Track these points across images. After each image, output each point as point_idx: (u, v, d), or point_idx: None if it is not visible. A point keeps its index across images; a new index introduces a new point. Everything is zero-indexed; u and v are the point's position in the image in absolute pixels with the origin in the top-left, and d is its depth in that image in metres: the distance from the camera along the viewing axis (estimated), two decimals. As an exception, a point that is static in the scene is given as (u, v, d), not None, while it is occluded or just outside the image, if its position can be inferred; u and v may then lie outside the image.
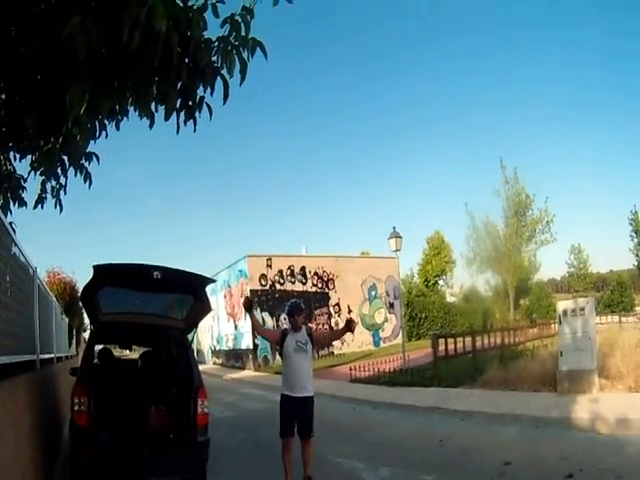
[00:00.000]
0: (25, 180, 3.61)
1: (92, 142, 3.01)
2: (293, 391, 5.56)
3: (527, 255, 32.91)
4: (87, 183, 3.38)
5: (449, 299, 41.57)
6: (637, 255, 45.34)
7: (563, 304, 9.28)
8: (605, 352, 9.58)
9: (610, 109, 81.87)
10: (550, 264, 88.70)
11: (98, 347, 7.60)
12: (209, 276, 6.18)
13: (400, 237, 16.58)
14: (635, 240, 44.95)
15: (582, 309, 8.68)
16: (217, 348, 31.32)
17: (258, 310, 23.38)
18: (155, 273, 5.28)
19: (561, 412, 7.38)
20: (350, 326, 5.69)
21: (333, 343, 25.49)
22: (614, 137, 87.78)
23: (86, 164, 3.35)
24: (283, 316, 21.33)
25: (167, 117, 2.68)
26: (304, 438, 5.55)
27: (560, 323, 8.99)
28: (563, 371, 8.66)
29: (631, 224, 45.03)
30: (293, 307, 5.83)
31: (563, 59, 79.97)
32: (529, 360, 11.49)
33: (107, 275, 5.41)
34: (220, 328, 30.10)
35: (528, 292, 36.99)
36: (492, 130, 76.13)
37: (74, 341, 18.83)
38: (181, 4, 2.43)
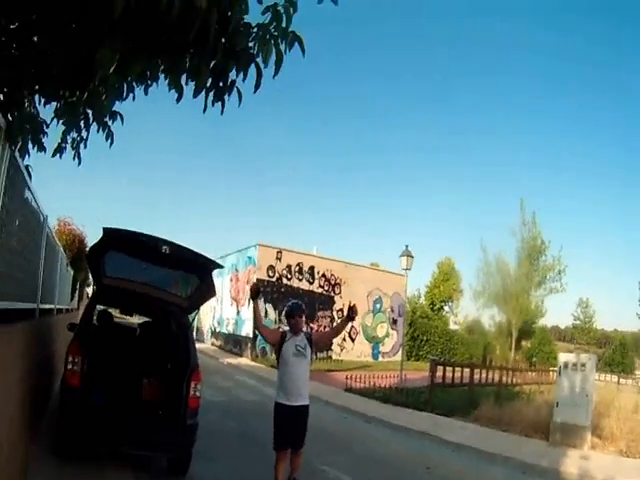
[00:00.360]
0: (47, 126, 3.54)
1: (117, 102, 2.96)
2: (289, 399, 5.22)
3: (535, 299, 32.68)
4: (109, 141, 3.34)
5: (452, 327, 41.17)
6: (643, 320, 44.44)
7: (565, 356, 9.17)
8: (600, 411, 9.41)
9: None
10: (555, 312, 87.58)
11: (99, 308, 7.62)
12: (217, 261, 6.10)
13: (412, 256, 16.58)
14: (643, 305, 44.08)
15: (583, 365, 8.57)
16: (217, 330, 31.37)
17: (262, 300, 23.02)
18: (164, 247, 5.25)
19: (551, 463, 7.26)
20: (351, 314, 5.21)
21: (332, 347, 25.40)
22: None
23: (110, 122, 3.31)
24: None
25: (196, 94, 2.63)
26: (295, 449, 5.31)
27: (560, 374, 8.85)
28: (557, 422, 8.52)
29: (640, 289, 44.12)
30: (294, 308, 5.46)
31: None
32: (524, 403, 11.32)
33: (115, 240, 5.41)
34: (222, 310, 30.12)
35: (531, 335, 36.57)
36: (512, 170, 75.26)
37: (77, 294, 18.56)
38: None
